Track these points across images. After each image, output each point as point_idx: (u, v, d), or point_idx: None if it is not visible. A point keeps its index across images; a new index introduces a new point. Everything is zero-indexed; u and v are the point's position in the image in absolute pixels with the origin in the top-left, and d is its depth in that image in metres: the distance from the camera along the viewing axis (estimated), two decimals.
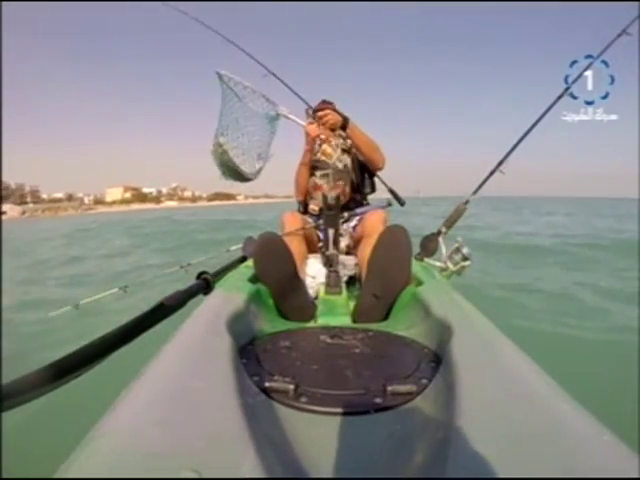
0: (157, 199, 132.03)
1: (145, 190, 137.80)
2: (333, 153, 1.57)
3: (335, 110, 1.50)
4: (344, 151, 1.60)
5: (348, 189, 1.56)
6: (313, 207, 1.58)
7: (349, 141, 1.57)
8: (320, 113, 1.47)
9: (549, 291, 3.15)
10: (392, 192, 1.70)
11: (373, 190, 1.73)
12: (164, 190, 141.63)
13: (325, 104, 1.57)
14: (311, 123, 1.53)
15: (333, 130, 1.52)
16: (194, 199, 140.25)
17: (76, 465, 0.36)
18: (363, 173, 1.67)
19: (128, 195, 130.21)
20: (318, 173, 1.52)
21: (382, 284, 1.01)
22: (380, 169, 1.62)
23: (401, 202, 1.70)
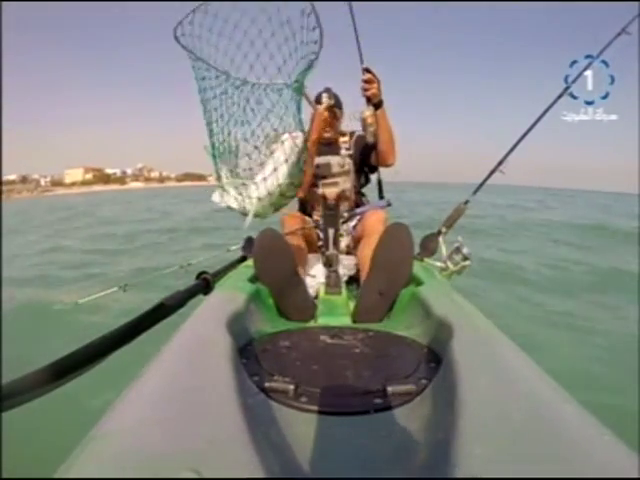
0: (122, 180, 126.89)
1: (108, 171, 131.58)
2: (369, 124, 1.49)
3: (379, 86, 1.42)
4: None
5: (350, 188, 1.54)
6: (317, 219, 1.55)
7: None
8: (369, 76, 1.41)
9: None
10: (380, 189, 1.68)
11: (367, 181, 1.69)
12: (129, 171, 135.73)
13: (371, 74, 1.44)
14: (328, 108, 1.42)
15: (369, 100, 1.44)
16: (162, 179, 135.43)
17: (76, 465, 0.36)
18: (363, 170, 1.65)
19: (90, 176, 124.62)
20: (321, 181, 1.43)
21: (385, 281, 1.01)
22: (389, 165, 1.55)
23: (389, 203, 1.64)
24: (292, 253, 1.08)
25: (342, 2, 1.57)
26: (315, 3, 0.85)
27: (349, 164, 1.52)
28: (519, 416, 0.43)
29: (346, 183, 1.47)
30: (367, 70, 1.38)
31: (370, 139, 1.50)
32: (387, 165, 1.56)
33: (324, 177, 1.43)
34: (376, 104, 1.42)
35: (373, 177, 1.69)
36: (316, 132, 1.43)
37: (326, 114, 1.44)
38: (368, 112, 1.46)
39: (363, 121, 1.47)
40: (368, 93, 1.41)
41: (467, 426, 0.42)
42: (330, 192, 1.34)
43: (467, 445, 0.39)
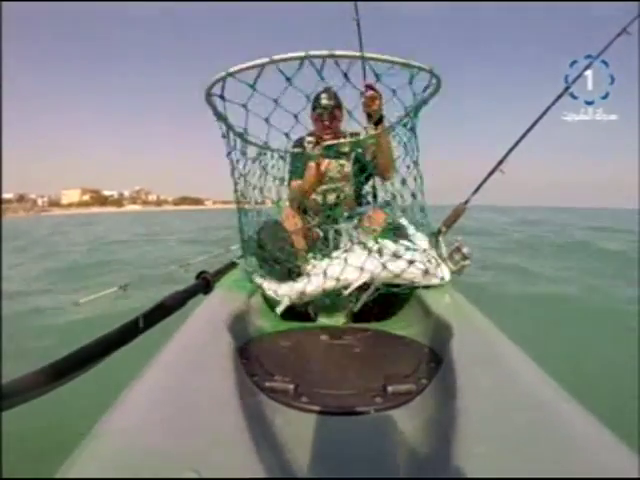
0: (119, 202, 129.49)
1: (106, 193, 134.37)
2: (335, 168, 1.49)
3: (381, 102, 1.43)
4: (343, 154, 1.57)
5: (351, 194, 1.52)
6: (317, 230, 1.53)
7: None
8: (372, 93, 1.39)
9: None
10: (374, 195, 1.68)
11: (375, 197, 1.69)
12: (126, 193, 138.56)
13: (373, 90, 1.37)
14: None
15: (369, 116, 1.39)
16: (159, 202, 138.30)
17: (77, 465, 0.36)
18: (364, 176, 1.64)
19: (87, 197, 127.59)
20: (319, 189, 1.44)
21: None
22: (387, 178, 1.56)
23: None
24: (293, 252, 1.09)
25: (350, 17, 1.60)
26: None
27: (348, 167, 1.50)
28: (519, 416, 0.43)
29: (345, 188, 1.45)
30: (369, 87, 1.39)
31: (368, 157, 1.49)
32: (385, 178, 1.55)
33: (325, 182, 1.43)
34: (377, 120, 1.42)
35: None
36: (308, 186, 1.37)
37: (320, 170, 1.36)
38: (369, 131, 1.47)
39: (365, 147, 1.48)
40: (370, 110, 1.41)
41: (467, 426, 0.42)
42: (330, 198, 1.35)
43: (467, 445, 0.39)
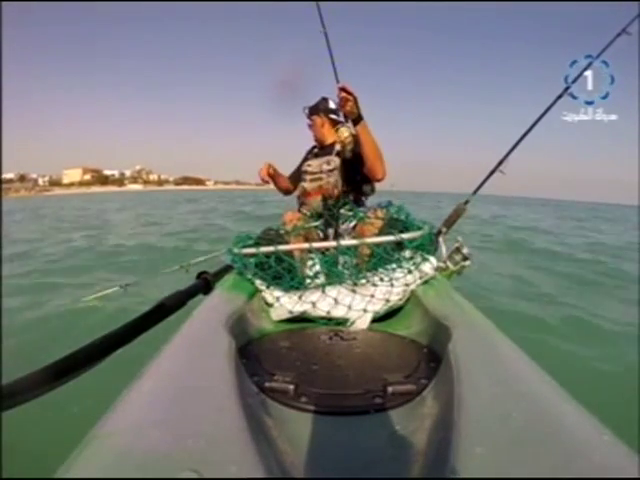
0: (120, 182, 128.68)
1: (107, 172, 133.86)
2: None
3: (356, 102, 1.48)
4: (329, 152, 1.62)
5: (340, 185, 1.55)
6: (305, 212, 1.58)
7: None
8: (345, 94, 1.44)
9: None
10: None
11: (373, 190, 1.72)
12: (128, 173, 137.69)
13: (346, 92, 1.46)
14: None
15: (347, 116, 1.49)
16: (160, 182, 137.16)
17: (76, 465, 0.36)
18: (357, 174, 1.65)
19: (88, 177, 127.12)
20: (308, 177, 1.56)
21: None
22: (379, 180, 1.56)
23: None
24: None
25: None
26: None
27: (335, 162, 1.56)
28: (519, 416, 0.43)
29: (330, 178, 1.53)
30: (342, 89, 1.45)
31: (347, 155, 1.56)
32: (377, 180, 1.57)
33: (312, 174, 1.58)
34: (355, 120, 1.47)
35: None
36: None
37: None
38: (346, 133, 1.55)
39: (342, 142, 1.56)
40: (344, 110, 1.48)
41: (467, 426, 0.42)
42: (311, 186, 1.51)
43: (467, 445, 0.39)
